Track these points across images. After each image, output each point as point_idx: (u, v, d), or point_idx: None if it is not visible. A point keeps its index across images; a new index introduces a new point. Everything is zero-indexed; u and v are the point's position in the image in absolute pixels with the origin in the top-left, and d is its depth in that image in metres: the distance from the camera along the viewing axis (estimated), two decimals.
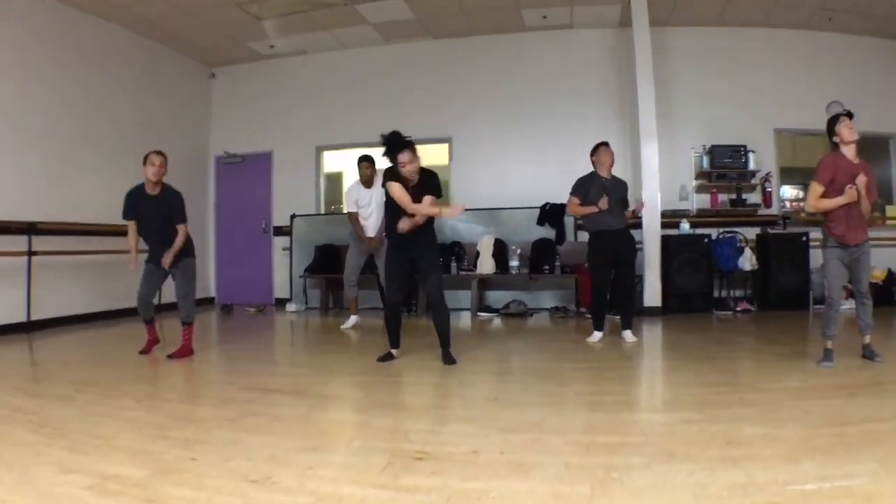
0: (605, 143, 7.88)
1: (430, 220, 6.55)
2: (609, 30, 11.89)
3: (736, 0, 10.75)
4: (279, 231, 13.03)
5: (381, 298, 9.24)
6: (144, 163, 6.83)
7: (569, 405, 4.84)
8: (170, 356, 6.87)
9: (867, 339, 6.22)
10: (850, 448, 3.57)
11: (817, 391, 5.05)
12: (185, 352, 7.01)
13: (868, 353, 6.16)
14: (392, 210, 6.52)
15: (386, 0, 10.73)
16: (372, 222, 9.01)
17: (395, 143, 6.32)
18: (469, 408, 4.90)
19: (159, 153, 6.92)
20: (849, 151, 5.94)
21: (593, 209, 7.57)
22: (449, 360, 6.47)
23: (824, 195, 5.94)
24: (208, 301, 13.37)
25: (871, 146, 12.02)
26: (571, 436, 3.98)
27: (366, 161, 9.18)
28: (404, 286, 6.76)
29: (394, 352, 6.75)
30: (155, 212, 6.92)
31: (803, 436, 3.86)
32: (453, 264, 11.08)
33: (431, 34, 12.26)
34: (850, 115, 6.06)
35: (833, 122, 6.07)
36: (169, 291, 7.33)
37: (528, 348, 7.85)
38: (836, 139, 6.01)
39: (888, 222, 11.71)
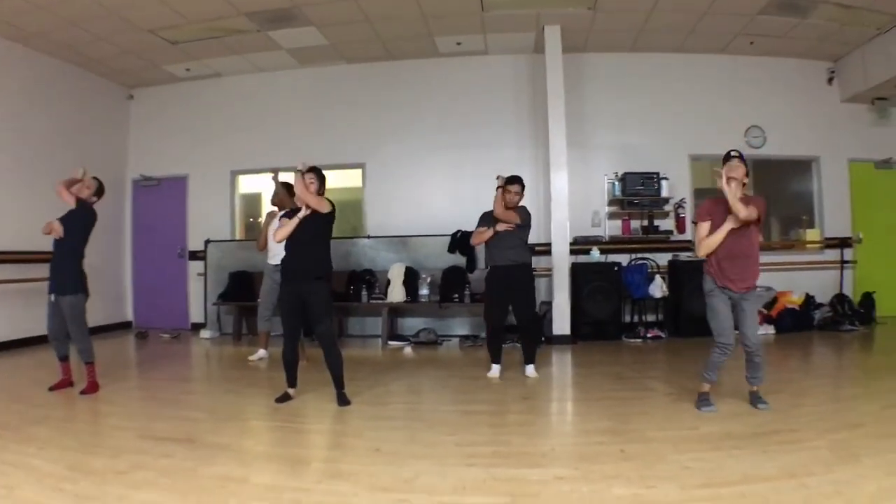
0: (506, 183, 7.88)
1: (318, 255, 6.63)
2: (524, 56, 11.99)
3: (653, 26, 10.87)
4: (194, 256, 12.89)
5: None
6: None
7: (447, 458, 4.83)
8: (81, 392, 7.00)
9: (754, 388, 6.08)
10: None
11: (703, 441, 5.04)
12: (91, 388, 7.05)
13: (753, 400, 6.02)
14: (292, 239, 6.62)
15: (298, 27, 10.71)
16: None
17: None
18: (350, 461, 4.87)
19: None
20: (729, 193, 5.73)
21: (489, 233, 7.78)
22: (343, 401, 6.52)
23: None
24: (126, 325, 13.19)
25: (794, 169, 12.31)
26: (438, 496, 4.02)
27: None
28: (298, 325, 6.70)
29: (290, 391, 6.74)
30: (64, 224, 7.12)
31: (674, 499, 3.86)
32: (364, 292, 11.04)
33: (346, 59, 12.26)
34: (739, 155, 5.84)
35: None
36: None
37: (427, 386, 7.83)
38: None
39: (807, 246, 11.93)
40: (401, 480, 4.31)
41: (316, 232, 6.57)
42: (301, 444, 5.51)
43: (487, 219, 7.95)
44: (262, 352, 9.26)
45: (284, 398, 6.68)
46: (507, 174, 7.97)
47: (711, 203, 5.93)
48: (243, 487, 4.19)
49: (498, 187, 7.79)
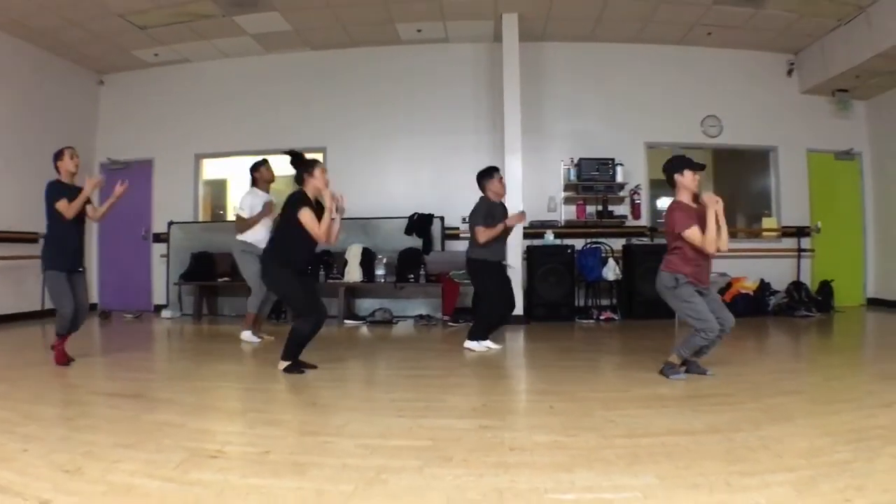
0: (498, 170, 8.07)
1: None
2: (484, 44, 12.16)
3: (609, 15, 11.06)
4: (158, 238, 13.02)
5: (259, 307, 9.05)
6: (62, 157, 6.98)
7: (379, 411, 5.03)
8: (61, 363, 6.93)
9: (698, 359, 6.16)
10: (636, 460, 3.64)
11: (633, 401, 5.17)
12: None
13: (695, 368, 6.09)
14: (298, 237, 6.45)
15: (263, 12, 10.85)
16: (263, 234, 8.62)
17: (306, 160, 6.58)
18: (285, 412, 5.16)
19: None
20: (686, 197, 6.02)
21: (498, 228, 7.71)
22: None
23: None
24: (91, 307, 13.21)
25: (752, 159, 12.48)
26: (364, 439, 4.15)
27: (267, 163, 9.00)
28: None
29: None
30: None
31: (593, 446, 3.93)
32: (321, 272, 11.20)
33: (310, 46, 12.40)
34: (702, 167, 6.09)
35: (683, 164, 6.06)
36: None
37: (376, 356, 7.99)
38: (678, 178, 6.00)
39: (764, 234, 12.12)
40: (330, 427, 4.53)
41: None
42: (241, 399, 5.75)
43: (490, 211, 7.85)
44: (249, 334, 8.83)
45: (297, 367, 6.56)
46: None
47: (684, 208, 5.99)
48: (180, 430, 4.37)
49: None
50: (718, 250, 5.90)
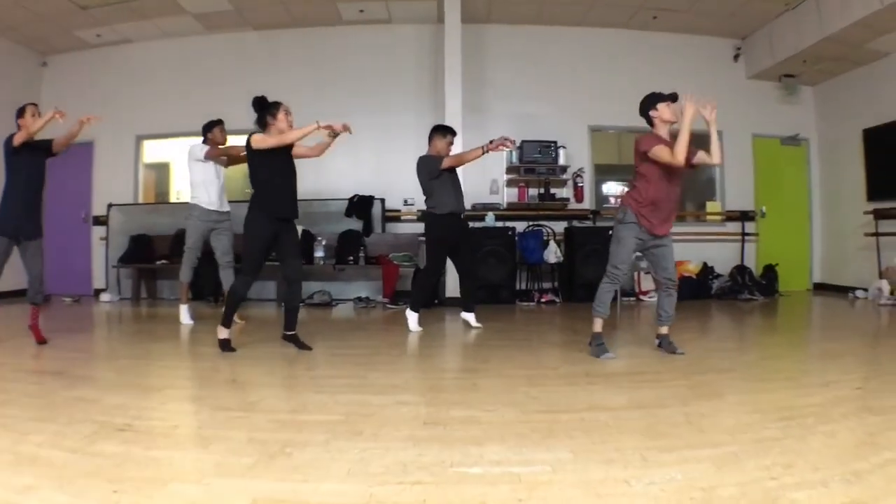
0: (453, 133, 8.11)
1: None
2: (427, 25, 12.11)
3: None
4: (98, 221, 12.82)
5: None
6: (23, 114, 6.81)
7: (297, 387, 5.07)
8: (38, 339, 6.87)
9: (665, 329, 6.15)
10: (552, 435, 3.63)
11: (560, 378, 5.18)
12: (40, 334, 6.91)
13: (667, 345, 6.08)
14: (263, 179, 6.30)
15: None
16: (218, 193, 8.48)
17: (269, 103, 6.41)
18: (202, 389, 5.13)
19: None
20: (664, 132, 5.94)
21: (477, 152, 7.76)
22: (301, 345, 6.55)
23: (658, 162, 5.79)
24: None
25: (696, 144, 12.35)
26: (278, 414, 4.17)
27: (222, 124, 8.83)
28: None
29: (229, 331, 6.50)
30: (33, 158, 6.89)
31: (510, 420, 3.93)
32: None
33: (251, 25, 12.27)
34: (674, 98, 5.99)
35: (655, 99, 6.02)
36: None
37: (308, 336, 7.73)
38: (653, 114, 5.97)
39: (708, 218, 12.18)
40: (245, 402, 4.51)
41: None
42: (162, 377, 5.68)
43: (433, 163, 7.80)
44: (186, 313, 8.59)
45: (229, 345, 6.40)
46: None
47: (658, 136, 5.95)
48: (93, 405, 4.34)
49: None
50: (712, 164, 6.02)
